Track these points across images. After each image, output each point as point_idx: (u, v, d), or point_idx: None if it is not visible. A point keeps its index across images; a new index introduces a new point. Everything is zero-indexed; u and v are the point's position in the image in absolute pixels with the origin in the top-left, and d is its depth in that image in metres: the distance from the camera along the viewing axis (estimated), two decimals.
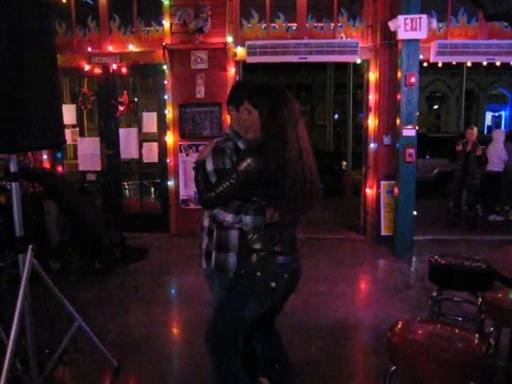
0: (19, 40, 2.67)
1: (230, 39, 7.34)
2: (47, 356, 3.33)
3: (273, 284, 2.49)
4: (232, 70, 7.45)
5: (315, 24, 7.55)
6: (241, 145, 2.65)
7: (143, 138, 8.10)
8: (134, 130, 7.97)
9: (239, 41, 7.45)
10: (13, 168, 2.92)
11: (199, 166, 2.58)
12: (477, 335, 2.37)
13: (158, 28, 7.71)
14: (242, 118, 2.57)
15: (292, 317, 4.37)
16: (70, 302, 3.31)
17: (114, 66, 7.73)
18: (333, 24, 7.50)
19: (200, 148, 7.42)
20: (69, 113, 7.77)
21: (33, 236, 3.04)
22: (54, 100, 2.95)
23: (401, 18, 6.41)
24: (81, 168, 8.03)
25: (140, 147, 7.97)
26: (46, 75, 2.85)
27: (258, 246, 2.49)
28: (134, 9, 7.72)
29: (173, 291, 5.87)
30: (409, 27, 6.40)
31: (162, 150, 7.84)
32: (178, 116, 7.61)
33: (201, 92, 7.49)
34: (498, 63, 7.43)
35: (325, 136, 21.59)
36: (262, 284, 2.50)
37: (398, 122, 6.79)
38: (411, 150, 6.68)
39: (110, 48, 7.74)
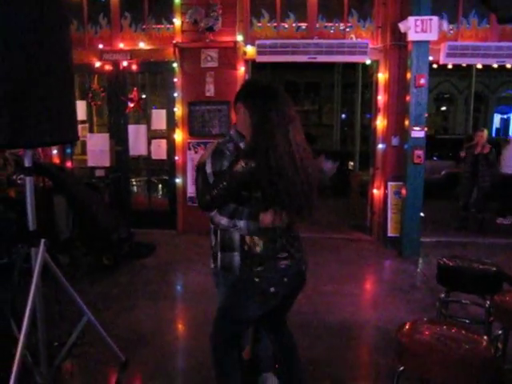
0: (34, 36, 2.69)
1: (240, 38, 7.35)
2: (56, 349, 3.37)
3: (272, 289, 2.48)
4: (242, 69, 7.46)
5: (325, 24, 7.55)
6: (242, 146, 2.55)
7: (152, 135, 8.13)
8: (143, 127, 8.00)
9: (249, 40, 7.46)
10: (27, 163, 2.94)
11: (200, 168, 2.57)
12: (485, 337, 2.38)
13: (168, 26, 7.73)
14: (236, 117, 2.59)
15: (298, 316, 4.37)
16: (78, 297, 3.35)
17: (125, 63, 7.76)
18: (343, 24, 7.50)
19: (208, 146, 7.45)
20: (78, 109, 7.62)
21: (42, 230, 3.05)
22: (68, 96, 2.97)
23: (411, 19, 6.40)
24: (90, 164, 8.08)
25: (149, 144, 8.01)
26: (61, 71, 2.87)
27: (258, 249, 2.48)
28: (145, 6, 7.75)
29: (180, 288, 5.90)
30: (419, 29, 6.39)
31: (171, 148, 7.87)
32: (187, 114, 7.64)
33: (210, 90, 7.51)
34: (508, 65, 7.41)
35: (332, 136, 21.59)
36: (259, 290, 2.49)
37: (406, 123, 6.78)
38: (419, 152, 6.68)
39: (121, 45, 7.78)
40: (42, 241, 3.00)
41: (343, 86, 19.92)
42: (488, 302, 3.39)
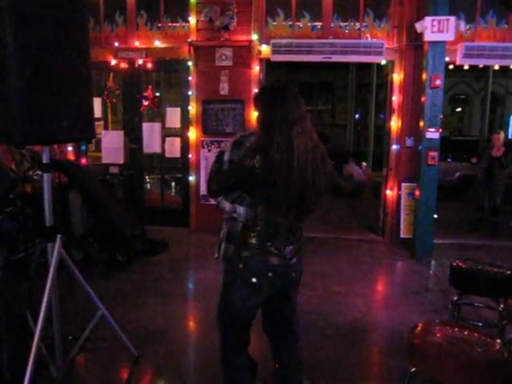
0: (52, 35, 2.73)
1: (255, 37, 7.36)
2: (71, 343, 3.43)
3: (253, 279, 2.47)
4: (256, 68, 7.47)
5: (340, 23, 7.53)
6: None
7: (166, 133, 8.17)
8: (157, 125, 8.05)
9: (264, 39, 7.47)
10: (45, 159, 2.99)
11: (218, 156, 2.65)
12: (498, 341, 2.38)
13: (183, 24, 7.76)
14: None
15: (310, 316, 4.40)
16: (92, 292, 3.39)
17: (140, 61, 7.81)
18: (358, 24, 7.48)
19: (222, 144, 7.50)
20: (94, 106, 7.85)
21: (57, 226, 3.11)
22: (86, 94, 3.02)
23: (428, 19, 6.36)
24: (104, 161, 8.14)
25: (163, 142, 8.05)
26: (79, 69, 2.92)
27: (251, 240, 2.49)
28: (160, 5, 7.79)
29: (192, 285, 5.94)
30: (436, 29, 6.35)
31: (185, 146, 7.90)
32: (201, 112, 7.67)
33: (224, 89, 7.53)
34: None
35: (345, 136, 21.51)
36: (242, 278, 2.50)
37: (421, 124, 6.74)
38: (434, 153, 6.64)
39: (137, 43, 7.83)
40: (59, 236, 3.04)
41: (357, 86, 19.79)
42: (502, 306, 3.38)
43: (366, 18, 7.47)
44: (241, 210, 2.54)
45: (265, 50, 7.42)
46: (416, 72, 7.08)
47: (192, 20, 7.52)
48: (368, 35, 7.42)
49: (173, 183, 9.16)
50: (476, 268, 3.50)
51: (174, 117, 7.99)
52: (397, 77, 7.41)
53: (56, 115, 2.77)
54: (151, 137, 7.97)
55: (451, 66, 7.45)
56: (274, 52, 7.20)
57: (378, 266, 6.59)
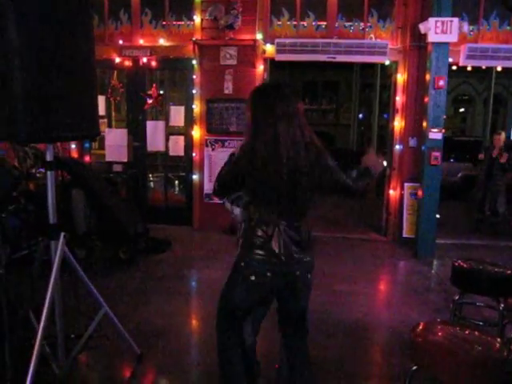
0: (57, 33, 2.73)
1: (259, 36, 7.38)
2: (73, 341, 3.44)
3: (252, 277, 2.50)
4: (260, 67, 7.49)
5: (345, 23, 7.55)
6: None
7: (170, 131, 8.20)
8: (161, 123, 8.08)
9: (269, 38, 7.48)
10: (49, 157, 2.99)
11: (229, 157, 2.66)
12: (498, 339, 2.39)
13: (188, 23, 7.78)
14: None
15: (312, 314, 4.37)
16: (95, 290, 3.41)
17: (144, 60, 7.82)
18: (362, 24, 7.50)
19: (226, 143, 7.53)
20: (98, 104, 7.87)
21: (60, 224, 3.12)
22: (90, 92, 3.02)
23: (432, 20, 6.38)
24: (107, 159, 8.18)
25: (166, 140, 8.07)
26: (83, 66, 2.92)
27: (251, 239, 2.52)
28: (165, 3, 7.82)
29: (195, 283, 5.95)
30: (439, 30, 6.37)
31: (188, 144, 7.92)
32: (205, 111, 7.69)
33: (229, 88, 7.55)
34: None
35: (349, 135, 21.51)
36: (242, 275, 2.54)
37: (424, 124, 6.76)
38: (437, 154, 6.65)
39: (141, 41, 7.85)
40: (62, 234, 3.06)
41: (361, 86, 19.84)
42: (502, 305, 3.39)
43: (371, 18, 7.49)
44: (237, 211, 2.58)
45: (269, 49, 7.44)
46: (419, 73, 7.10)
47: (197, 19, 7.54)
48: (372, 35, 7.43)
49: (176, 182, 9.18)
50: (477, 268, 3.52)
51: (177, 115, 8.01)
52: (400, 77, 7.43)
53: (60, 113, 2.76)
54: (155, 135, 7.99)
55: (454, 67, 7.46)
56: (278, 51, 7.21)
57: (380, 265, 6.61)
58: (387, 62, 7.54)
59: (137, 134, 8.09)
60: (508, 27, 7.29)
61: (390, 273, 6.54)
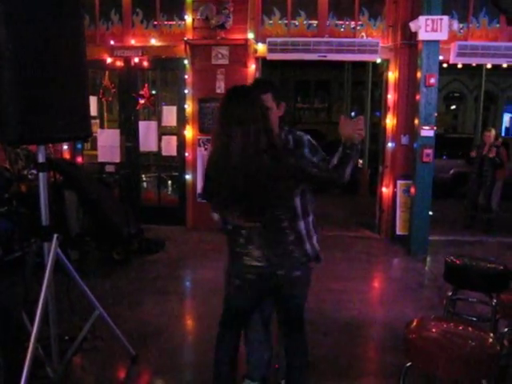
0: (48, 34, 2.72)
1: (251, 36, 7.38)
2: (67, 343, 3.42)
3: (236, 281, 2.61)
4: (252, 66, 7.49)
5: (336, 22, 7.58)
6: None
7: (162, 131, 8.18)
8: (153, 123, 8.07)
9: (260, 37, 7.49)
10: (41, 159, 2.97)
11: None
12: (491, 335, 2.41)
13: (180, 23, 7.78)
14: None
15: (306, 313, 4.40)
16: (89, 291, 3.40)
17: (136, 60, 7.80)
18: (354, 23, 7.52)
19: None
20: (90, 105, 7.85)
21: (53, 225, 3.10)
22: (81, 93, 3.01)
23: (422, 18, 6.41)
24: (100, 159, 8.15)
25: (159, 140, 8.06)
26: (75, 67, 2.91)
27: (234, 246, 2.60)
28: (156, 3, 7.80)
29: (189, 283, 5.96)
30: (430, 28, 6.40)
31: (181, 144, 7.91)
32: (197, 110, 7.68)
33: (221, 87, 7.55)
34: None
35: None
36: (228, 278, 2.68)
37: (416, 122, 6.79)
38: (429, 151, 6.68)
39: (133, 41, 7.84)
40: (55, 236, 3.04)
41: (353, 84, 19.81)
42: (494, 300, 3.41)
43: (362, 16, 7.52)
44: (215, 216, 2.59)
45: (261, 48, 7.44)
46: (411, 70, 7.13)
47: (188, 18, 7.53)
48: (363, 34, 7.46)
49: (169, 182, 9.17)
50: (470, 264, 3.54)
51: (170, 115, 8.01)
52: (392, 75, 7.45)
53: (51, 114, 2.75)
54: (147, 135, 7.98)
55: (445, 65, 7.50)
56: (270, 50, 7.22)
57: (374, 262, 6.64)
58: (378, 60, 7.56)
59: (129, 135, 8.08)
60: (497, 25, 7.33)
61: (384, 270, 6.57)
